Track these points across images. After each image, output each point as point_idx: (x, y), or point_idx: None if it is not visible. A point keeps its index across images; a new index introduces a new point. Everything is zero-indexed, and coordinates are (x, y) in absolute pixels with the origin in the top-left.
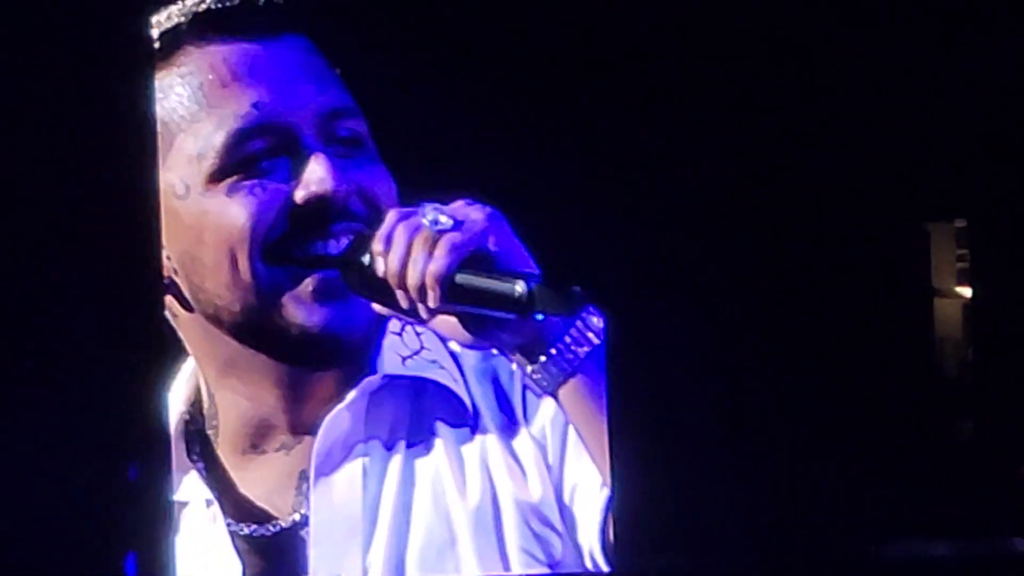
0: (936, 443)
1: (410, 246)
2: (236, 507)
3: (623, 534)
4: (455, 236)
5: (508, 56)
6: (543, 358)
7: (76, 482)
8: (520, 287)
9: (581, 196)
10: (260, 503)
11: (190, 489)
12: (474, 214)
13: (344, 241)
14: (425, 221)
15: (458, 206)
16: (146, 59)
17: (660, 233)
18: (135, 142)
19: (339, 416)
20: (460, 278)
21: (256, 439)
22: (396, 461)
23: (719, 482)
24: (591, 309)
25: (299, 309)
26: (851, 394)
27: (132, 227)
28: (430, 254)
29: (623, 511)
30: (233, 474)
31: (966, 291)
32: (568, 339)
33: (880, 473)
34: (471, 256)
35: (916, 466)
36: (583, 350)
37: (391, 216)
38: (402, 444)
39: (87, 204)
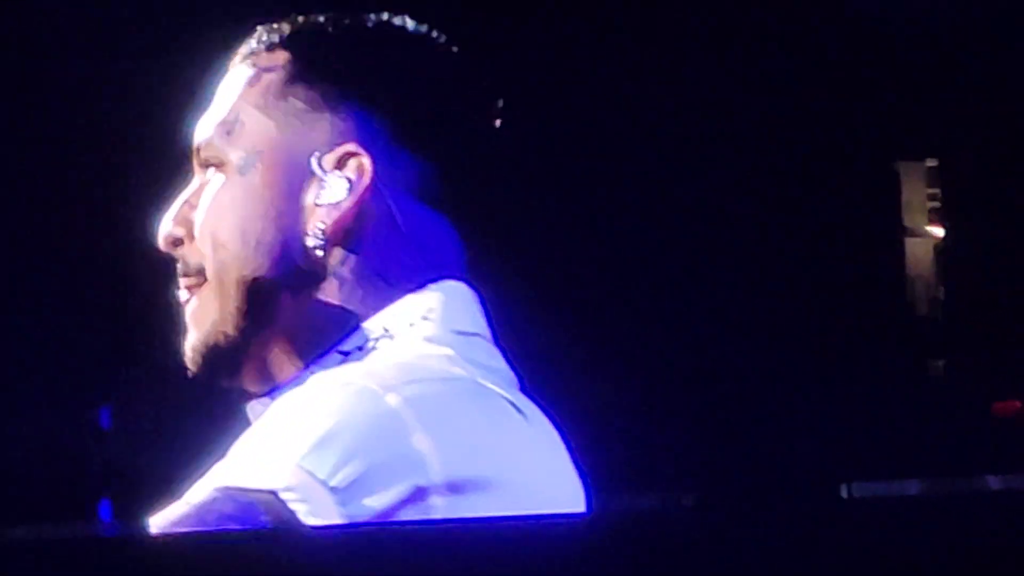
0: (908, 381)
1: None
2: None
3: (595, 476)
4: None
5: None
6: None
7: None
8: None
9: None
10: None
11: None
12: None
13: None
14: None
15: None
16: None
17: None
18: None
19: None
20: None
21: None
22: None
23: (692, 423)
24: None
25: None
26: (823, 333)
27: None
28: None
29: (594, 453)
30: None
31: (937, 230)
32: None
33: (852, 412)
34: None
35: (888, 404)
36: None
37: None
38: None
39: None
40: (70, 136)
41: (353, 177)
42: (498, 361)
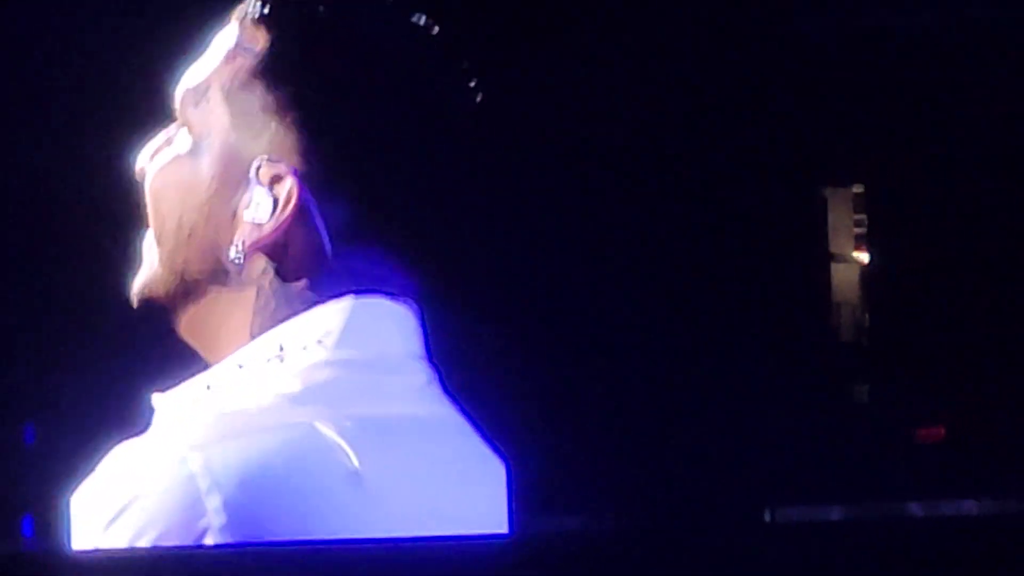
0: (832, 406)
1: None
2: None
3: (520, 497)
4: None
5: None
6: None
7: None
8: None
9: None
10: None
11: None
12: None
13: None
14: None
15: None
16: None
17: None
18: None
19: None
20: None
21: None
22: None
23: (615, 444)
24: None
25: None
26: (749, 358)
27: None
28: None
29: (519, 475)
30: None
31: (863, 256)
32: None
33: (776, 436)
34: None
35: (812, 429)
36: None
37: None
38: None
39: None
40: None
41: (281, 199)
42: (400, 381)
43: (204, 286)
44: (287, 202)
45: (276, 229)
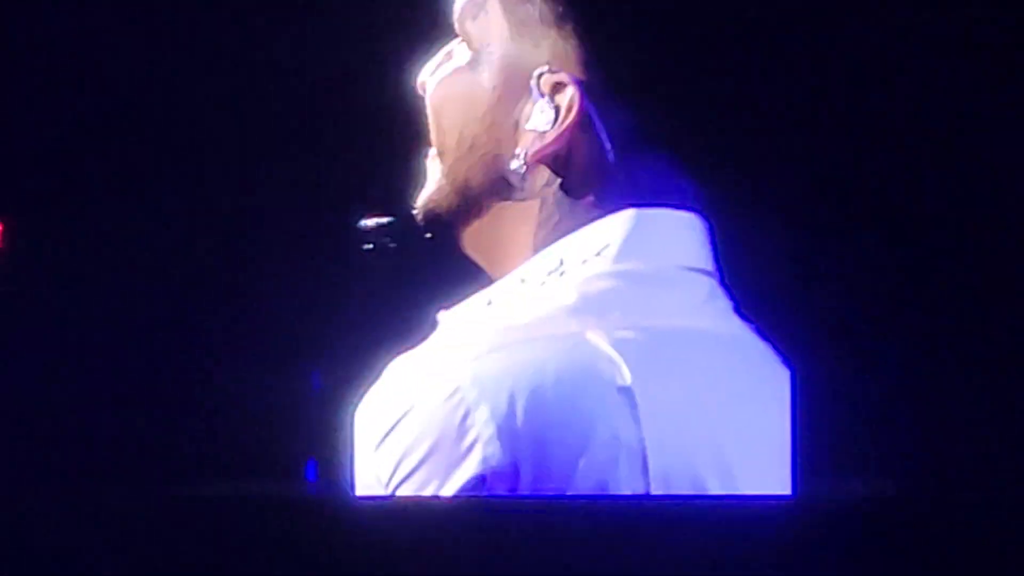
0: None
1: None
2: None
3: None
4: None
5: None
6: None
7: (261, 387)
8: None
9: None
10: None
11: None
12: None
13: None
14: None
15: None
16: None
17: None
18: None
19: None
20: None
21: None
22: None
23: (905, 407)
24: None
25: None
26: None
27: None
28: None
29: (806, 434)
30: None
31: None
32: None
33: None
34: None
35: None
36: None
37: None
38: None
39: None
40: None
41: (563, 107)
42: (681, 294)
43: (486, 199)
44: (569, 111)
45: (558, 138)
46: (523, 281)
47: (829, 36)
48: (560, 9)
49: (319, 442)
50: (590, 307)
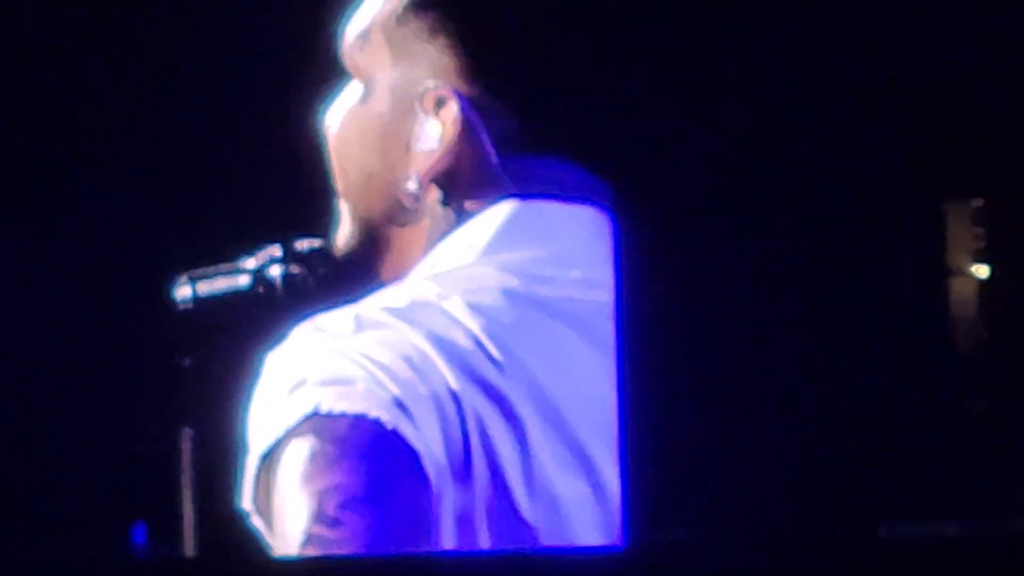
0: (949, 421)
1: None
2: None
3: (634, 509)
4: None
5: None
6: None
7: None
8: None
9: None
10: None
11: None
12: None
13: None
14: None
15: None
16: None
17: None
18: None
19: None
20: None
21: None
22: None
23: (730, 458)
24: None
25: None
26: (866, 371)
27: None
28: None
29: (635, 486)
30: None
31: (982, 270)
32: None
33: (894, 452)
34: None
35: (929, 445)
36: None
37: None
38: None
39: None
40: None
41: (447, 122)
42: (553, 275)
43: (385, 228)
44: (453, 124)
45: (447, 154)
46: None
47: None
48: (433, 23)
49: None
50: (451, 284)
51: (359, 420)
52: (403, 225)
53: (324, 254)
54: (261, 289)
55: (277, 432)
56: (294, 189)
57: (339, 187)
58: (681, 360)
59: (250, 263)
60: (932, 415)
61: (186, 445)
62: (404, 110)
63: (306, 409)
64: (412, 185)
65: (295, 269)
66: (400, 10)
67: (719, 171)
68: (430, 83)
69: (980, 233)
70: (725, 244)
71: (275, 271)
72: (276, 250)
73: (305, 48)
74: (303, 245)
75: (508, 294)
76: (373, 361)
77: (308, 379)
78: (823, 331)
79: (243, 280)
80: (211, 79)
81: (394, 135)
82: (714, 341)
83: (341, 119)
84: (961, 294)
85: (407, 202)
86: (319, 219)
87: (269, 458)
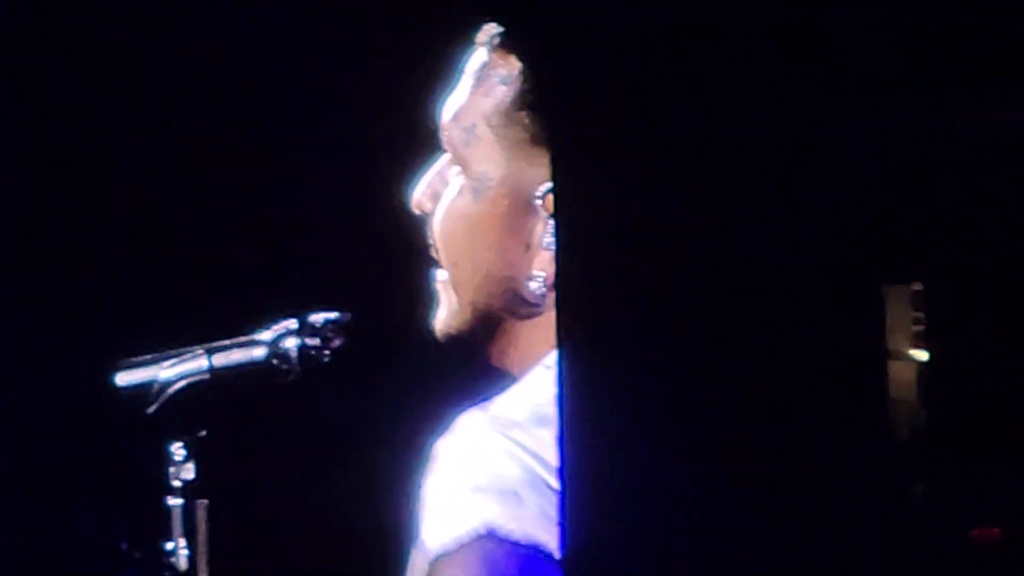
0: (887, 505)
1: None
2: None
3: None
4: None
5: None
6: None
7: None
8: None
9: None
10: None
11: None
12: None
13: None
14: None
15: None
16: None
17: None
18: None
19: None
20: None
21: None
22: None
23: (672, 538)
24: None
25: None
26: (803, 454)
27: None
28: None
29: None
30: None
31: (921, 354)
32: None
33: (830, 534)
34: None
35: (867, 529)
36: None
37: None
38: None
39: None
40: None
41: None
42: None
43: (506, 319)
44: None
45: None
46: (547, 367)
47: None
48: (549, 127)
49: None
50: None
51: (531, 549)
52: (524, 318)
53: (339, 327)
54: (276, 361)
55: (447, 538)
56: (313, 261)
57: (449, 274)
58: (622, 454)
59: (266, 335)
60: (869, 498)
61: (202, 515)
62: (523, 209)
63: (477, 523)
64: (537, 285)
65: (310, 341)
66: (507, 108)
67: (654, 254)
68: (546, 179)
69: (919, 317)
70: (657, 333)
71: (290, 343)
72: (292, 323)
73: (383, 121)
74: (318, 318)
75: None
76: (545, 465)
77: (481, 485)
78: (762, 413)
79: (259, 352)
80: (239, 151)
81: (514, 235)
82: (648, 430)
83: (450, 212)
84: (900, 378)
85: (531, 299)
86: (335, 293)
87: (438, 562)
